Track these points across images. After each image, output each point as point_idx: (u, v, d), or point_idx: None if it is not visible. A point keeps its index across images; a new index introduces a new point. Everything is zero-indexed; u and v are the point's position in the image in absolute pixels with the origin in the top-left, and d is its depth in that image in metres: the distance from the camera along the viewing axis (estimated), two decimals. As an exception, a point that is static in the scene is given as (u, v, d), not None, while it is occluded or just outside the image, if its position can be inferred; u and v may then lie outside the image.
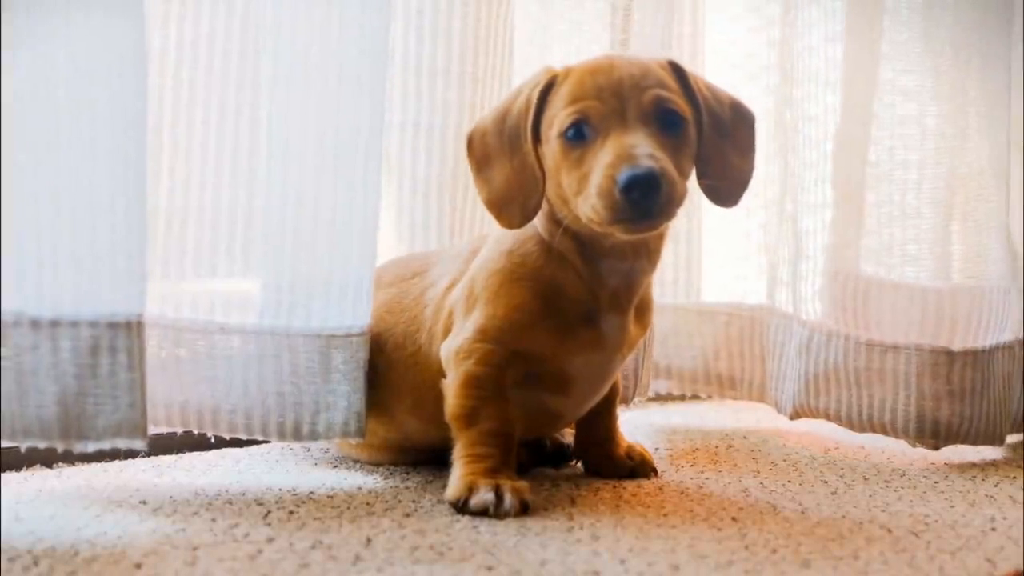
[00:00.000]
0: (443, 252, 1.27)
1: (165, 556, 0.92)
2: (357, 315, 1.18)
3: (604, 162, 1.03)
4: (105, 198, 1.02)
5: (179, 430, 1.20)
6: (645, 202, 1.01)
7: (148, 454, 1.28)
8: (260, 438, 1.19)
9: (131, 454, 1.27)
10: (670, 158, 1.05)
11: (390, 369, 1.21)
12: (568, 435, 1.32)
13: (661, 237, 1.15)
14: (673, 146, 1.07)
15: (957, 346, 1.41)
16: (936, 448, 1.42)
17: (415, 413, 1.19)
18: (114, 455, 1.25)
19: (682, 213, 1.53)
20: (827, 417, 1.46)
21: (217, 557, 0.92)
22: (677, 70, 1.12)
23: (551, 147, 1.09)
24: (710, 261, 1.66)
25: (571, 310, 1.13)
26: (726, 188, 1.14)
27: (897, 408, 1.41)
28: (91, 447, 1.02)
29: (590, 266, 1.13)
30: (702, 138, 1.11)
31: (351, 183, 1.17)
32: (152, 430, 1.24)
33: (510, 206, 1.12)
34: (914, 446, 1.43)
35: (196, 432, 1.19)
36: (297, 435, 1.18)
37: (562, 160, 1.08)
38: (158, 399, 1.17)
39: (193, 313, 1.17)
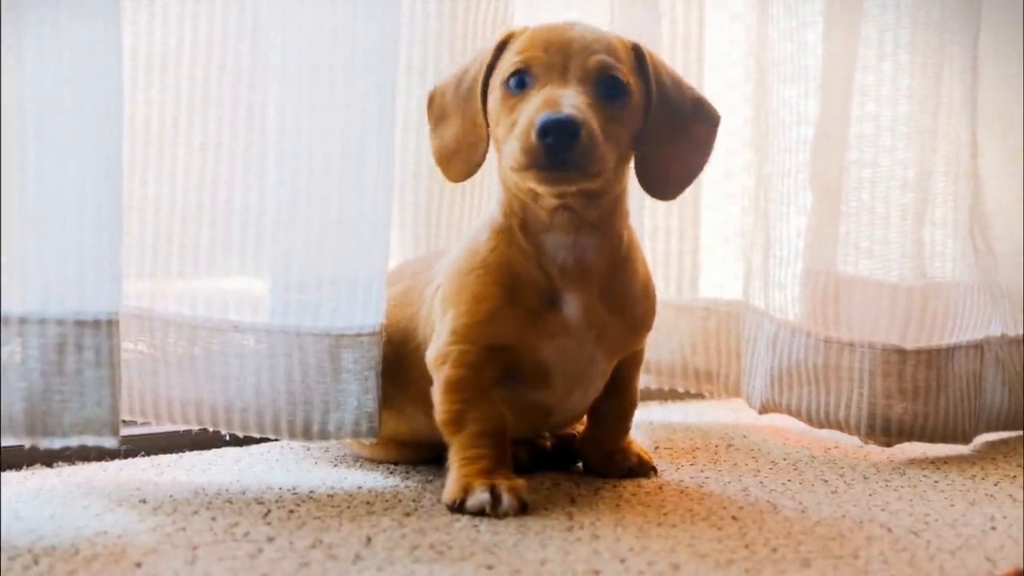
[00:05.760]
0: (448, 250, 1.28)
1: (165, 555, 0.92)
2: (368, 315, 1.18)
3: (530, 107, 1.04)
4: (76, 198, 1.01)
5: (194, 427, 1.20)
6: (559, 148, 1.01)
7: (148, 453, 1.28)
8: (272, 437, 1.20)
9: (131, 453, 1.27)
10: (601, 122, 1.05)
11: (399, 361, 1.21)
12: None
13: (612, 214, 1.13)
14: (609, 113, 1.07)
15: (910, 344, 1.42)
16: (888, 445, 1.43)
17: (420, 406, 1.19)
18: (114, 454, 1.25)
19: (676, 210, 1.57)
20: (789, 412, 1.48)
21: (217, 556, 0.92)
22: (637, 51, 1.13)
23: (494, 96, 1.10)
24: (690, 258, 1.67)
25: (530, 293, 1.12)
26: (662, 177, 1.15)
27: (851, 405, 1.42)
28: (58, 444, 1.01)
29: (535, 241, 1.13)
30: (650, 120, 1.12)
31: (361, 182, 1.17)
32: (170, 427, 1.26)
33: (455, 160, 1.15)
34: (865, 443, 1.44)
35: (211, 429, 1.19)
36: (307, 434, 1.18)
37: (500, 107, 1.09)
38: (174, 396, 1.17)
39: (208, 311, 1.18)
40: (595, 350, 1.16)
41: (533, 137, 1.02)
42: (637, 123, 1.12)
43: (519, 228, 1.13)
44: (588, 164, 1.03)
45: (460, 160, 1.15)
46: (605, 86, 1.08)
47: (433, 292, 1.19)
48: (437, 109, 1.17)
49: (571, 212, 1.11)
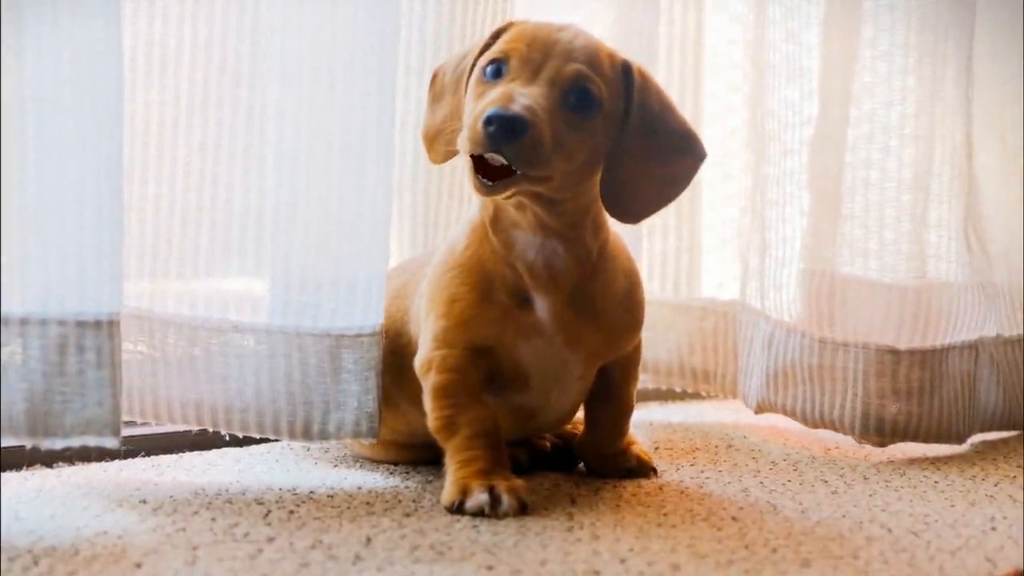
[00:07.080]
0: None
1: (165, 555, 0.92)
2: (368, 315, 1.18)
3: (488, 98, 1.04)
4: (76, 198, 1.01)
5: (194, 428, 1.21)
6: (500, 138, 1.00)
7: (148, 453, 1.29)
8: (272, 437, 1.20)
9: (131, 453, 1.27)
10: (561, 130, 1.04)
11: (394, 356, 1.21)
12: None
13: (578, 225, 1.12)
14: (572, 123, 1.05)
15: (903, 345, 1.43)
16: (882, 445, 1.44)
17: (415, 403, 1.19)
18: (114, 455, 1.25)
19: (674, 210, 1.57)
20: (784, 412, 1.48)
21: (217, 556, 0.92)
22: (626, 68, 1.11)
23: (472, 81, 1.10)
24: (687, 257, 1.67)
25: (502, 292, 1.12)
26: (626, 199, 1.12)
27: (845, 405, 1.43)
28: (59, 444, 1.01)
29: (505, 238, 1.12)
30: (624, 140, 1.10)
31: (361, 183, 1.17)
32: (170, 428, 1.26)
33: (438, 141, 1.15)
34: (860, 443, 1.45)
35: (211, 430, 1.19)
36: (307, 435, 1.18)
37: (472, 93, 1.09)
38: (174, 397, 1.18)
39: (207, 312, 1.18)
40: (568, 354, 1.15)
41: (479, 126, 1.01)
42: (604, 139, 1.09)
43: (491, 223, 1.13)
44: (527, 164, 1.02)
45: (442, 142, 1.14)
46: (575, 95, 1.06)
47: (423, 289, 1.19)
48: (437, 87, 1.17)
49: (534, 211, 1.10)
